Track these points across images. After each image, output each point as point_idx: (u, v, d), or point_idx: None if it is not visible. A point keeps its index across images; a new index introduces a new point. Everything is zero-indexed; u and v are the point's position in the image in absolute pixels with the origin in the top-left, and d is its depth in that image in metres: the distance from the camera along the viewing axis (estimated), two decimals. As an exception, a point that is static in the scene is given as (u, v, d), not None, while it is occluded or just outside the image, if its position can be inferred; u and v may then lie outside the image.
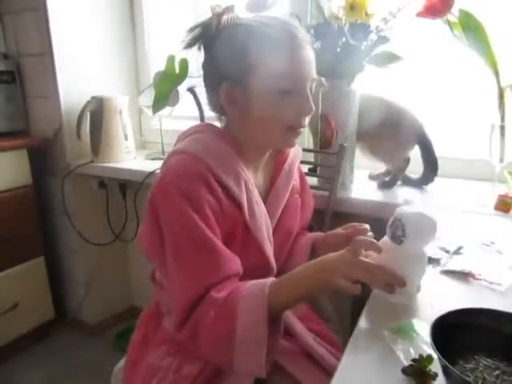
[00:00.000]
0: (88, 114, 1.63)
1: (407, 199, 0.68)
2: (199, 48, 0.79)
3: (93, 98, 1.63)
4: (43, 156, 1.79)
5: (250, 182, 0.78)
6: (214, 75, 0.78)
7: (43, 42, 1.62)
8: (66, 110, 1.67)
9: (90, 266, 1.87)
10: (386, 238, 0.67)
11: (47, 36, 1.59)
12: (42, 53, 1.64)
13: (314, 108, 0.75)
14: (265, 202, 0.83)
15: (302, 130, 0.78)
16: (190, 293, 0.69)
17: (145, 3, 1.82)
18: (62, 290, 1.97)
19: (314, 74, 0.76)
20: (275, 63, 0.71)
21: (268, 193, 0.86)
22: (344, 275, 0.64)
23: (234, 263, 0.72)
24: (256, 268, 0.78)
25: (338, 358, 0.80)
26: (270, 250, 0.82)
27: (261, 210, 0.80)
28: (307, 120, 0.78)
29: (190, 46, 0.78)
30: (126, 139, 1.69)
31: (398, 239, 0.63)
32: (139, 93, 1.84)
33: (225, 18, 0.75)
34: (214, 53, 0.77)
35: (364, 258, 0.65)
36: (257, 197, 0.79)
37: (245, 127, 0.78)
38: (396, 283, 0.62)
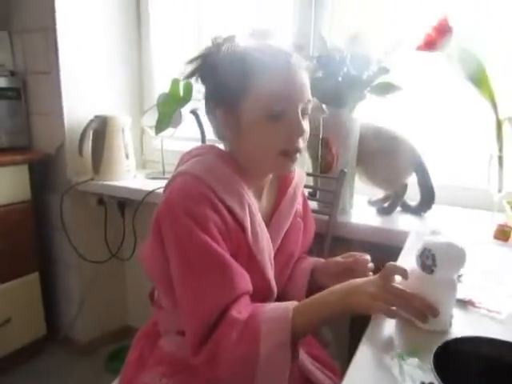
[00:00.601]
0: (90, 132, 1.65)
1: (435, 229, 0.69)
2: (196, 79, 0.82)
3: (96, 116, 1.65)
4: (44, 172, 1.80)
5: (254, 205, 0.79)
6: (211, 101, 0.81)
7: (50, 61, 1.65)
8: (69, 127, 1.69)
9: (85, 283, 1.85)
10: (415, 267, 0.67)
11: (54, 55, 1.62)
12: (48, 71, 1.67)
13: (305, 130, 0.76)
14: (268, 224, 0.84)
15: (297, 155, 0.78)
16: (207, 313, 0.68)
17: (152, 24, 1.86)
18: (56, 306, 1.94)
19: (306, 96, 0.77)
20: (265, 89, 0.73)
21: (271, 216, 0.86)
22: (376, 299, 0.64)
23: (246, 279, 0.72)
24: (257, 291, 0.78)
25: (336, 382, 0.80)
26: (271, 273, 0.82)
27: (263, 233, 0.80)
28: (302, 143, 0.78)
29: (189, 77, 0.81)
30: (127, 158, 1.70)
31: (428, 269, 0.64)
32: (142, 113, 1.86)
33: (224, 47, 0.78)
34: (211, 80, 0.80)
35: (396, 284, 0.65)
36: (260, 220, 0.80)
37: (242, 152, 0.80)
38: (429, 311, 0.62)
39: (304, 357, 0.84)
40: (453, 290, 0.66)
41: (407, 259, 0.89)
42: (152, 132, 1.60)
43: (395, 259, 0.89)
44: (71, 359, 1.84)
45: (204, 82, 0.81)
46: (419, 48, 1.07)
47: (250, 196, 0.78)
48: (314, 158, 1.32)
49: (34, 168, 1.72)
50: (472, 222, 1.17)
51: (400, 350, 0.59)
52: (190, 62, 0.80)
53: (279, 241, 0.86)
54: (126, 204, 1.83)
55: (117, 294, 2.00)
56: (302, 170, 0.96)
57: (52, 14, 1.59)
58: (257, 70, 0.73)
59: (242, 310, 0.68)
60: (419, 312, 0.62)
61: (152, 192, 1.51)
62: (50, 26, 1.61)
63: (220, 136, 0.84)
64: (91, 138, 1.67)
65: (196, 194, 0.72)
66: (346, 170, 1.15)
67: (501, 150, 1.06)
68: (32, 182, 1.71)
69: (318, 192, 1.29)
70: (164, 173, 1.72)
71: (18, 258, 1.71)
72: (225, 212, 0.73)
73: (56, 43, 1.61)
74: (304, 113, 0.77)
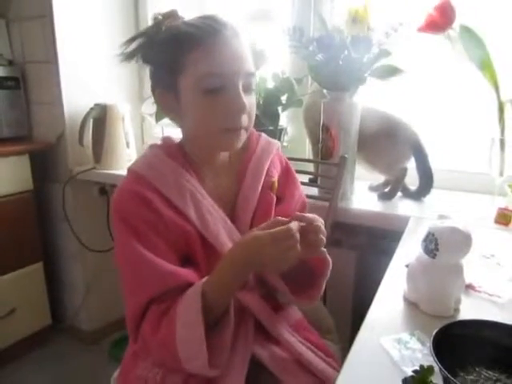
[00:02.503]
0: (91, 121, 1.64)
1: (443, 214, 0.69)
2: (137, 60, 0.79)
3: (96, 105, 1.64)
4: (45, 162, 1.80)
5: (199, 191, 0.77)
6: (152, 82, 0.79)
7: (48, 49, 1.64)
8: (69, 116, 1.68)
9: (88, 272, 1.86)
10: (421, 252, 0.67)
11: (53, 43, 1.61)
12: (47, 60, 1.66)
13: (246, 105, 0.73)
14: (234, 203, 0.82)
15: (242, 130, 0.75)
16: (133, 308, 0.72)
17: (149, 10, 1.84)
18: (60, 296, 1.96)
19: (245, 68, 0.73)
20: (198, 63, 0.71)
21: (236, 197, 0.84)
22: (281, 253, 0.65)
23: (178, 276, 0.71)
24: None
25: (331, 365, 0.80)
26: None
27: (215, 217, 0.78)
28: (246, 120, 0.75)
29: (129, 57, 0.78)
30: (128, 147, 1.70)
31: (431, 253, 0.64)
32: (142, 100, 1.85)
33: (164, 25, 0.75)
34: (150, 60, 0.78)
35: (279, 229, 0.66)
36: (209, 205, 0.78)
37: (186, 132, 0.80)
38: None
39: (294, 340, 0.82)
40: (456, 275, 0.66)
41: (408, 244, 0.89)
42: (152, 120, 1.59)
43: (396, 244, 0.90)
44: (76, 348, 1.87)
45: (144, 62, 0.79)
46: (421, 29, 1.05)
47: (192, 183, 0.77)
48: (314, 143, 1.32)
49: (34, 158, 1.72)
50: (473, 206, 1.16)
51: (401, 334, 0.60)
52: (128, 42, 0.78)
53: (248, 220, 0.83)
54: (127, 193, 1.82)
55: (120, 283, 2.01)
56: (271, 139, 0.92)
57: (49, 1, 1.57)
58: (189, 46, 0.71)
59: (166, 300, 0.70)
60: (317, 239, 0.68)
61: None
62: (48, 14, 1.59)
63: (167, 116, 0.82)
64: (91, 126, 1.66)
65: (127, 192, 0.74)
66: (346, 156, 1.14)
67: (502, 133, 1.04)
68: (33, 171, 1.72)
69: (319, 178, 1.28)
70: (165, 161, 1.71)
71: (22, 249, 1.72)
72: (161, 206, 0.73)
73: (53, 31, 1.60)
74: (247, 88, 0.74)
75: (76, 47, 1.67)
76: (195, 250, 0.76)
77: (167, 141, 0.82)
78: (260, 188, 0.84)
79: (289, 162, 0.95)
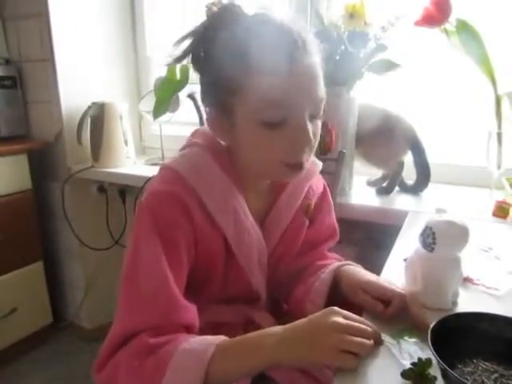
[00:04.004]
0: (89, 119, 1.64)
1: (440, 208, 0.69)
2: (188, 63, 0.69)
3: (94, 103, 1.64)
4: (43, 161, 1.80)
5: (243, 209, 0.70)
6: (204, 97, 0.70)
7: (45, 48, 1.63)
8: (67, 114, 1.68)
9: (88, 270, 1.87)
10: (419, 246, 0.68)
11: (49, 42, 1.61)
12: (43, 58, 1.65)
13: (311, 139, 0.63)
14: (263, 223, 0.77)
15: (304, 164, 0.67)
16: (123, 328, 0.61)
17: (146, 9, 1.84)
18: (61, 294, 1.97)
19: (315, 95, 0.63)
20: (258, 90, 0.60)
21: (268, 214, 0.77)
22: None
23: (186, 313, 0.62)
24: (241, 295, 0.76)
25: (331, 369, 0.79)
26: (258, 277, 0.76)
27: (253, 239, 0.72)
28: (308, 153, 0.66)
29: (178, 61, 0.69)
30: (126, 144, 1.70)
31: (428, 247, 0.65)
32: (140, 98, 1.85)
33: (221, 26, 0.63)
34: (203, 70, 0.68)
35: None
36: (250, 225, 0.71)
37: (238, 155, 0.70)
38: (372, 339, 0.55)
39: None
40: (454, 268, 0.66)
41: (406, 238, 0.89)
42: (150, 117, 1.59)
43: (395, 238, 0.90)
44: (78, 346, 1.87)
45: (196, 69, 0.69)
46: (417, 23, 1.05)
47: (238, 200, 0.70)
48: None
49: (33, 157, 1.72)
50: (471, 199, 1.17)
51: (399, 328, 0.60)
52: (179, 41, 0.67)
53: (276, 239, 0.78)
54: (126, 191, 1.83)
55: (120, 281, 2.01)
56: (315, 159, 0.82)
57: (44, -1, 1.56)
58: (251, 69, 0.60)
59: (161, 334, 0.58)
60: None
61: (152, 178, 1.50)
62: (44, 12, 1.58)
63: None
64: (89, 125, 1.66)
65: (167, 193, 0.65)
66: (345, 151, 1.14)
67: (500, 126, 1.04)
68: (32, 170, 1.72)
69: (317, 174, 1.28)
70: (163, 158, 1.71)
71: (22, 248, 1.72)
72: (199, 216, 0.66)
73: (50, 30, 1.59)
74: (315, 115, 0.64)
75: (73, 45, 1.67)
76: (215, 268, 0.71)
77: (210, 139, 0.72)
78: (295, 209, 0.79)
79: (327, 186, 0.88)
